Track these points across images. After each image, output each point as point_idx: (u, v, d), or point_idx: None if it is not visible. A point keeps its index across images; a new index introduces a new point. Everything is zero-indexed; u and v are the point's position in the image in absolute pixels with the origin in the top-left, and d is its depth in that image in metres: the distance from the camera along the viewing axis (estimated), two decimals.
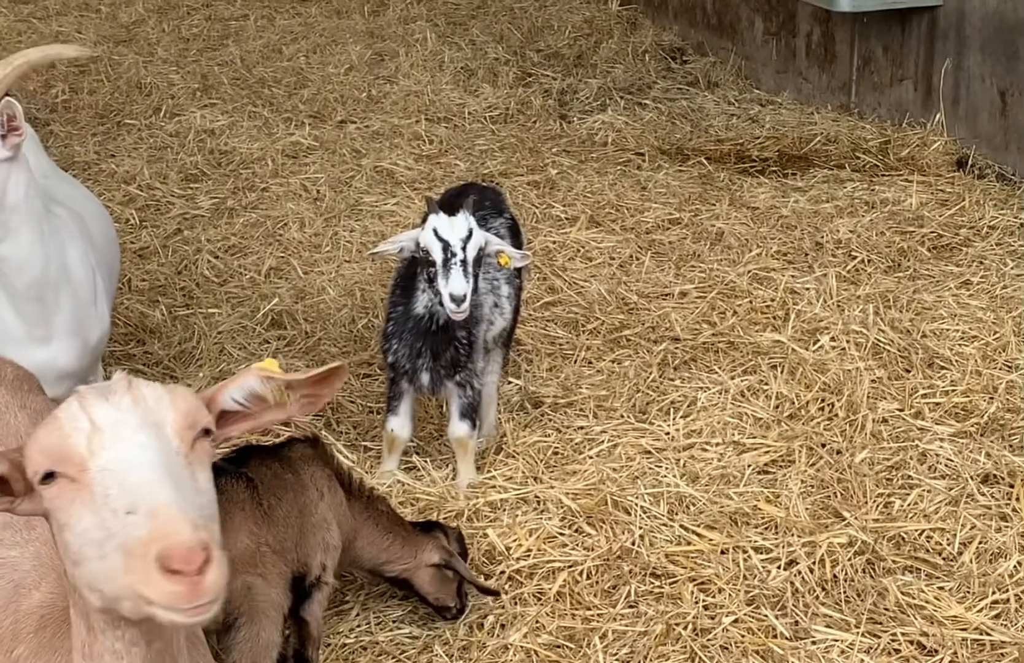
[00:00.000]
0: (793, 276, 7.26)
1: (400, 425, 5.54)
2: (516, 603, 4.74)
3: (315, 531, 4.27)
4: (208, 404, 2.28)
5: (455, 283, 4.91)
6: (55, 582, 2.63)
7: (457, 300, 4.91)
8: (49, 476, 2.10)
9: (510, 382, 6.12)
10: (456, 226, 4.99)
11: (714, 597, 4.73)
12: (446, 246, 4.95)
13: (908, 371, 6.22)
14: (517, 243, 5.81)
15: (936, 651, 4.44)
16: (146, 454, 2.07)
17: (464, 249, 4.96)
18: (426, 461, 5.63)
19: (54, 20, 12.99)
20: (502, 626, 4.62)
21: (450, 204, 5.73)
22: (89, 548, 2.06)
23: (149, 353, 6.58)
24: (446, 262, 4.95)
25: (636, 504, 5.23)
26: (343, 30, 12.57)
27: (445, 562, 4.56)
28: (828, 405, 5.94)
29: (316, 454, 4.45)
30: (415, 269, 5.19)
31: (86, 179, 8.79)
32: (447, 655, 4.55)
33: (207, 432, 2.20)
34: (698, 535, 5.06)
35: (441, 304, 5.00)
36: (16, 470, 2.15)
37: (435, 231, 4.99)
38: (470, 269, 4.97)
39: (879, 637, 4.52)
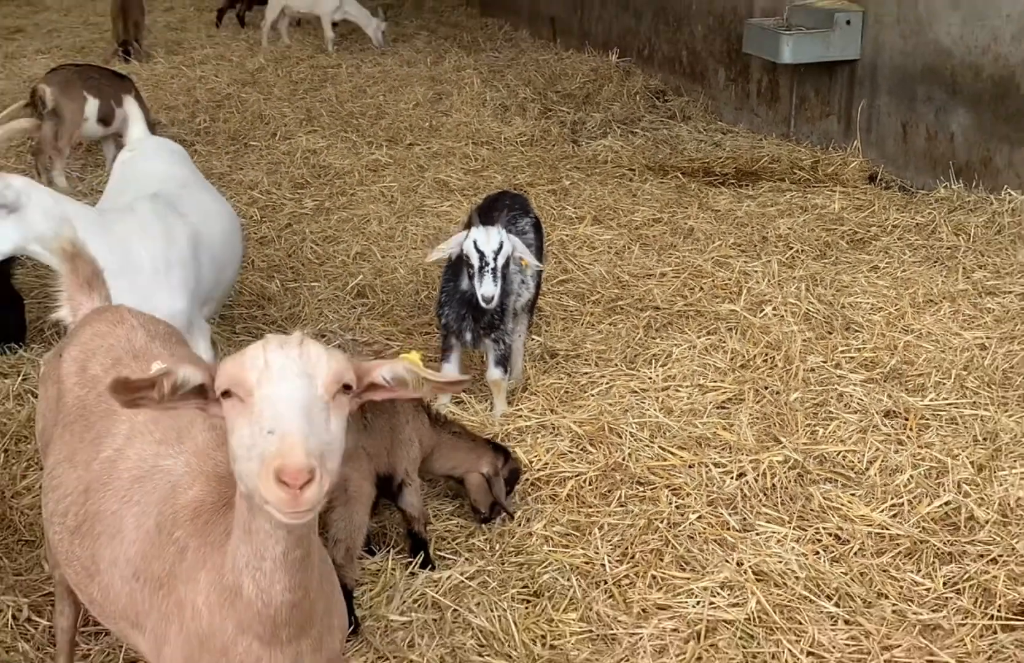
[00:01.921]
0: (745, 262, 7.25)
1: (452, 369, 5.57)
2: (537, 502, 4.78)
3: (402, 446, 4.39)
4: (364, 375, 2.30)
5: (487, 287, 5.05)
6: (204, 483, 2.65)
7: (487, 299, 5.05)
8: (227, 394, 2.17)
9: (533, 339, 6.13)
10: (491, 239, 5.08)
11: (683, 500, 4.78)
12: (482, 256, 5.05)
13: (830, 333, 6.22)
14: (539, 236, 5.82)
15: (848, 541, 4.49)
16: (294, 394, 2.12)
17: (495, 258, 5.05)
18: (471, 397, 5.65)
19: (198, 68, 12.99)
20: (527, 519, 4.68)
21: (490, 206, 5.78)
22: (241, 451, 2.14)
23: (267, 315, 6.65)
24: (481, 268, 5.05)
25: (626, 430, 5.28)
26: (412, 76, 12.58)
27: (488, 478, 4.62)
28: (770, 358, 5.96)
29: None
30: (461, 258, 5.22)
31: (221, 186, 8.80)
32: (486, 540, 4.59)
33: (348, 389, 2.22)
34: (671, 453, 5.10)
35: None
36: (211, 383, 2.22)
37: (475, 243, 5.08)
38: (499, 273, 5.06)
39: (806, 530, 4.56)
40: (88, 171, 9.21)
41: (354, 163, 9.54)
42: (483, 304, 5.09)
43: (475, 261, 5.07)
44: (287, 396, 2.12)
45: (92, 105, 8.74)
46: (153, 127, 9.39)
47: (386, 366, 2.36)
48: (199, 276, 5.30)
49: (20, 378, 5.79)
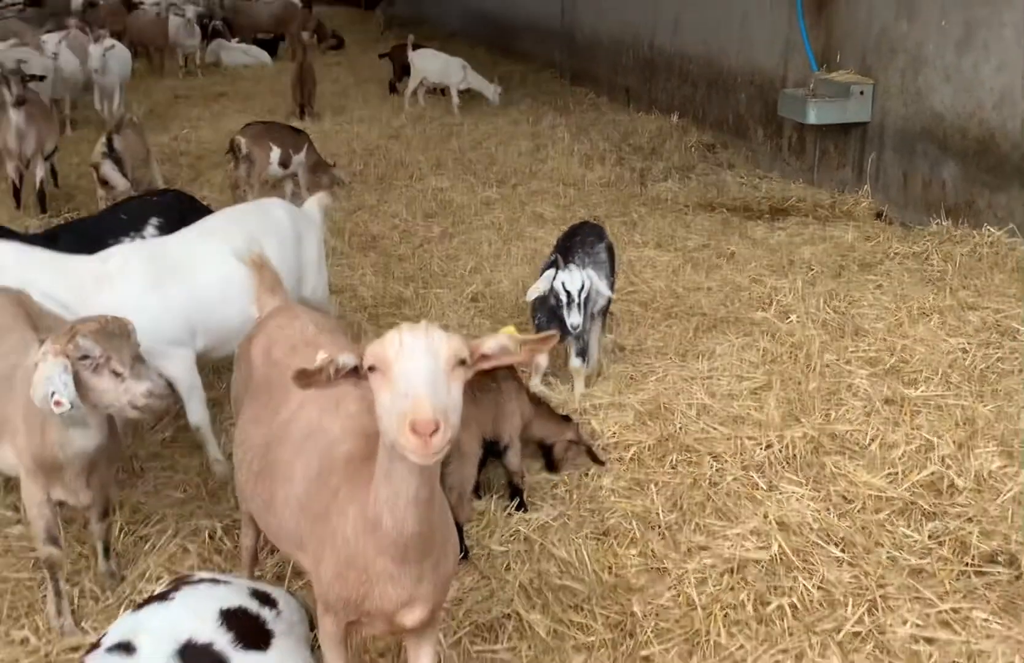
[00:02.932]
0: (775, 280, 7.14)
1: (542, 359, 5.64)
2: (607, 463, 4.78)
3: (506, 417, 4.45)
4: (475, 350, 2.36)
5: (573, 318, 5.12)
6: (354, 441, 2.74)
7: (574, 327, 5.10)
8: (372, 369, 2.25)
9: (606, 336, 6.12)
10: (574, 281, 5.14)
11: (722, 464, 4.75)
12: (568, 294, 5.11)
13: (842, 336, 6.10)
14: (612, 258, 5.82)
15: (853, 501, 4.44)
16: (423, 367, 2.20)
17: (579, 295, 5.11)
18: (556, 380, 5.67)
19: (355, 125, 13.19)
20: (598, 476, 4.67)
21: (573, 233, 5.80)
22: (384, 411, 2.24)
23: (403, 314, 6.75)
24: (568, 304, 5.11)
25: (677, 409, 5.26)
26: (517, 133, 12.61)
27: (577, 438, 4.69)
28: (794, 355, 5.88)
29: (511, 374, 4.61)
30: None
31: (370, 216, 9.00)
32: (566, 490, 4.62)
33: (463, 363, 2.27)
34: (713, 428, 5.07)
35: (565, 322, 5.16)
36: (362, 363, 2.31)
37: (562, 284, 5.12)
38: (582, 306, 5.12)
39: (819, 491, 4.51)
40: None
41: (471, 199, 9.60)
42: (571, 331, 5.14)
43: (563, 298, 5.13)
44: (417, 368, 2.19)
45: (275, 152, 8.93)
46: (325, 166, 9.60)
47: (492, 339, 2.42)
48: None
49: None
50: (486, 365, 2.43)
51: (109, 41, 12.16)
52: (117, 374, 3.13)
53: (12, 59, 9.49)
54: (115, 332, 3.16)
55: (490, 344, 2.41)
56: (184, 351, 4.62)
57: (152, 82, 16.86)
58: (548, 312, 5.31)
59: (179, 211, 5.99)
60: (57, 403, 3.06)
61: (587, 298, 5.19)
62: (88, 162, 9.49)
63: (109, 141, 8.54)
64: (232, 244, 4.60)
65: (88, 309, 4.15)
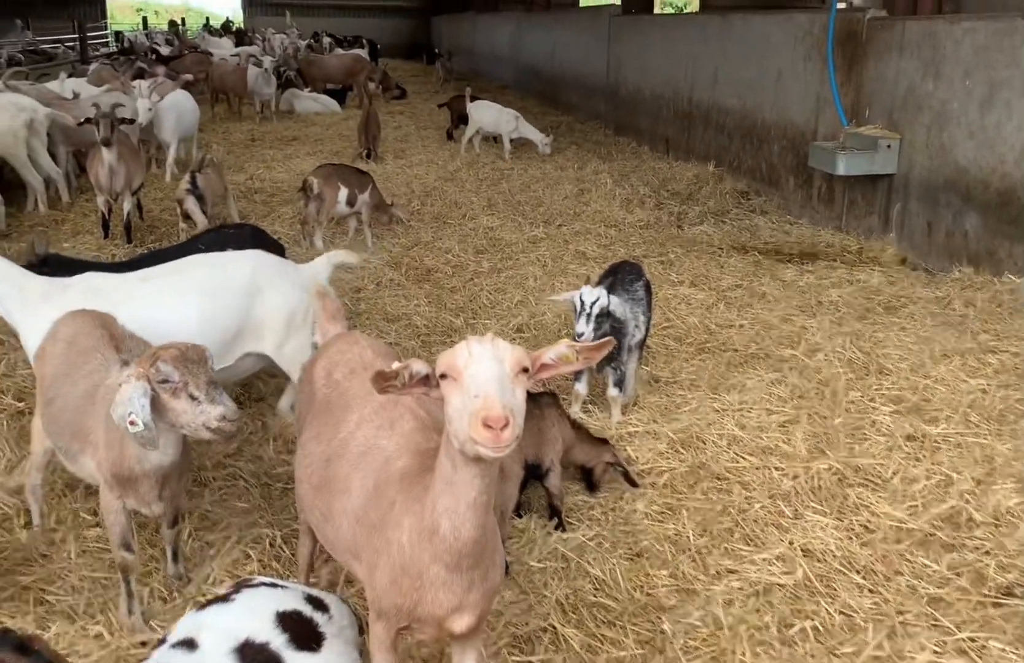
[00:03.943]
0: (804, 319, 7.04)
1: (582, 387, 5.58)
2: (641, 487, 4.73)
3: (547, 441, 4.44)
4: (536, 359, 2.40)
5: (580, 325, 5.08)
6: (409, 457, 2.75)
7: (579, 336, 5.05)
8: (443, 376, 2.28)
9: (643, 368, 6.08)
10: (591, 294, 5.11)
11: (750, 493, 4.67)
12: (583, 304, 5.08)
13: (867, 375, 5.99)
14: (649, 295, 5.77)
15: (875, 531, 4.33)
16: (490, 371, 2.24)
17: (592, 308, 5.06)
18: (595, 407, 5.63)
19: (415, 168, 13.30)
20: (632, 500, 4.62)
21: (614, 270, 5.79)
22: (454, 413, 2.27)
23: (455, 343, 6.70)
24: (580, 313, 5.08)
25: (709, 439, 5.18)
26: (563, 177, 12.62)
27: (614, 460, 4.66)
28: (820, 392, 5.77)
29: (553, 401, 4.59)
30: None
31: (426, 251, 9.04)
32: (602, 512, 4.57)
33: (525, 370, 2.31)
34: (743, 458, 4.98)
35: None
36: (433, 372, 2.35)
37: (580, 296, 5.11)
38: (592, 318, 5.06)
39: (842, 521, 4.41)
40: (337, 238, 9.49)
41: (519, 237, 9.61)
42: (577, 338, 5.08)
43: (577, 307, 5.11)
44: (486, 372, 2.24)
45: (343, 192, 9.03)
46: (386, 205, 9.68)
47: (551, 349, 2.45)
48: None
49: (284, 378, 6.01)
50: (547, 374, 2.46)
51: (156, 96, 12.16)
52: (193, 398, 3.16)
53: (107, 103, 9.70)
54: (193, 358, 3.20)
55: (550, 353, 2.45)
56: None
57: (231, 126, 17.18)
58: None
59: (252, 242, 6.12)
60: (132, 423, 3.11)
61: (600, 315, 5.12)
62: (172, 197, 9.70)
63: (193, 179, 8.70)
64: (172, 289, 4.57)
65: (26, 320, 4.33)
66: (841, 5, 13.76)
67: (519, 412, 2.26)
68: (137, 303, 4.48)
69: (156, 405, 3.18)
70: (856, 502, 4.52)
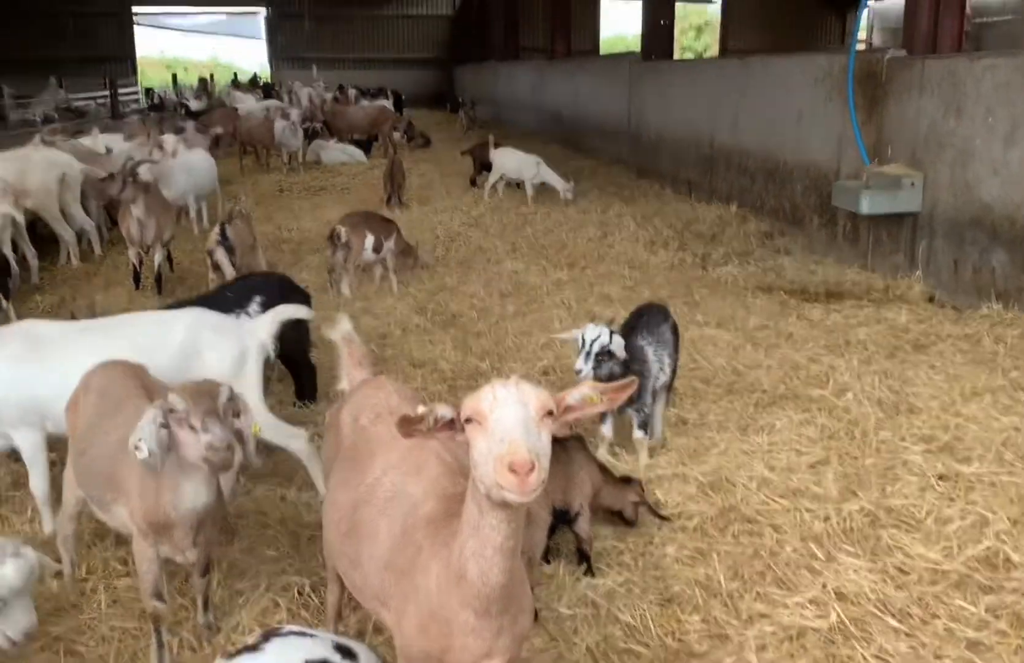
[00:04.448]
0: (832, 359, 6.96)
1: (608, 430, 5.54)
2: (671, 531, 4.67)
3: (575, 486, 4.39)
4: (561, 401, 2.37)
5: (579, 363, 5.05)
6: (436, 502, 2.73)
7: (576, 372, 5.03)
8: (468, 420, 2.27)
9: (670, 410, 6.03)
10: (591, 333, 5.07)
11: (782, 535, 4.59)
12: (583, 343, 5.04)
13: (897, 414, 5.90)
14: (676, 337, 5.73)
15: (909, 573, 4.23)
16: (516, 415, 2.23)
17: (591, 346, 5.02)
18: (623, 450, 5.58)
19: (440, 214, 13.38)
20: (663, 543, 4.56)
21: (640, 313, 5.74)
22: (480, 458, 2.26)
23: (480, 386, 6.68)
24: (580, 350, 5.05)
25: (739, 481, 5.11)
26: (586, 220, 12.65)
27: (640, 498, 4.62)
28: (850, 432, 5.69)
29: (580, 444, 4.55)
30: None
31: (452, 296, 9.06)
32: (632, 557, 4.50)
33: (551, 413, 2.29)
34: (773, 500, 4.90)
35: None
36: (458, 417, 2.33)
37: (583, 334, 5.07)
38: (591, 358, 5.02)
39: (876, 563, 4.31)
40: (364, 285, 9.53)
41: (543, 280, 9.61)
42: (576, 375, 5.08)
43: (579, 344, 5.08)
44: (511, 416, 2.23)
45: (370, 239, 9.09)
46: (411, 251, 9.72)
47: (575, 391, 2.44)
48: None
49: (312, 426, 6.02)
50: (572, 416, 2.44)
51: (173, 151, 12.26)
52: (192, 428, 3.18)
53: (136, 158, 9.87)
54: (201, 392, 3.23)
55: (574, 395, 2.43)
56: (27, 429, 4.59)
57: (259, 177, 17.40)
58: (608, 380, 5.22)
59: (279, 291, 6.17)
60: (137, 447, 3.17)
61: (600, 353, 5.05)
62: (201, 249, 9.80)
63: (223, 230, 8.79)
64: (106, 343, 4.53)
65: None
66: (860, 46, 13.77)
67: (545, 456, 2.24)
68: (70, 354, 4.50)
69: (173, 439, 3.24)
70: (889, 544, 4.43)
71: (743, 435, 5.74)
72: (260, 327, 5.03)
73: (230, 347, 4.83)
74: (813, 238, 10.78)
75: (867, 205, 8.94)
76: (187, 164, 12.26)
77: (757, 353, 7.22)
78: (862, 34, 37.87)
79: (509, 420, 2.22)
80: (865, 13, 36.61)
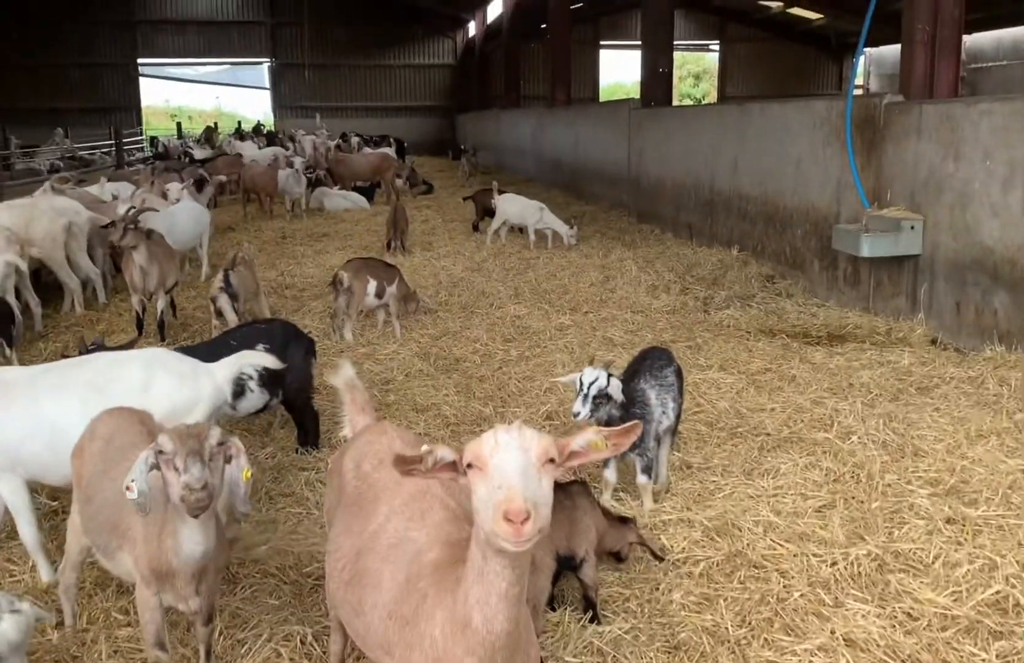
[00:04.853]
0: (835, 402, 6.92)
1: (611, 475, 5.50)
2: (677, 578, 4.61)
3: (580, 532, 4.35)
4: (564, 448, 2.35)
5: (576, 405, 5.05)
6: (440, 548, 2.71)
7: (574, 414, 5.03)
8: (470, 465, 2.25)
9: (674, 454, 5.98)
10: (589, 376, 5.06)
11: (789, 581, 4.52)
12: (581, 385, 5.03)
13: (902, 457, 5.86)
14: (680, 380, 5.69)
15: (919, 619, 4.17)
16: (515, 462, 2.20)
17: (588, 388, 5.01)
18: (627, 495, 5.53)
19: (442, 259, 13.42)
20: (669, 589, 4.50)
21: (643, 357, 5.73)
22: (480, 504, 2.24)
23: (483, 431, 6.64)
24: (579, 392, 5.04)
25: (745, 525, 5.05)
26: (588, 264, 12.67)
27: (638, 538, 4.58)
28: (856, 475, 5.64)
29: (584, 489, 4.51)
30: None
31: (455, 341, 9.05)
32: (638, 604, 4.45)
33: (553, 460, 2.27)
34: (780, 545, 4.84)
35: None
36: (460, 460, 2.32)
37: (580, 377, 5.06)
38: (589, 399, 5.01)
39: (884, 608, 4.24)
40: (367, 330, 9.52)
41: (546, 325, 9.60)
42: (573, 418, 5.08)
43: (577, 387, 5.07)
44: (510, 463, 2.21)
45: (372, 285, 9.10)
46: (414, 296, 9.72)
47: (579, 437, 2.41)
48: None
49: (315, 472, 5.99)
50: (576, 462, 2.42)
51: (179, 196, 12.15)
52: (176, 469, 3.15)
53: (139, 206, 9.91)
54: (190, 433, 3.21)
55: (578, 441, 2.40)
56: (1, 475, 4.60)
57: (262, 224, 17.46)
58: (607, 424, 5.18)
59: (283, 337, 6.17)
60: (129, 488, 3.16)
61: (598, 396, 5.03)
62: (204, 295, 9.81)
63: (226, 277, 8.81)
64: (64, 383, 4.63)
65: None
66: (858, 91, 13.89)
67: (544, 504, 2.22)
68: (32, 396, 4.57)
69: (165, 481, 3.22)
70: (898, 589, 4.37)
71: (748, 479, 5.69)
72: (218, 372, 5.00)
73: (180, 388, 4.78)
74: (814, 281, 10.79)
75: (868, 248, 8.96)
76: (171, 215, 11.75)
77: (760, 396, 7.19)
78: (859, 79, 38.25)
79: (508, 466, 2.20)
80: (862, 59, 37.00)
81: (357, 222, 17.56)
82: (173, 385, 4.77)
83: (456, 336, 9.25)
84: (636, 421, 2.58)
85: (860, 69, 38.00)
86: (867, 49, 36.98)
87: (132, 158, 28.37)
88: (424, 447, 2.38)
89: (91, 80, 41.80)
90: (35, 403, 4.55)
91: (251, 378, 5.95)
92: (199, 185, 15.82)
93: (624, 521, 4.70)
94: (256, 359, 5.25)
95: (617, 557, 4.65)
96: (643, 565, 4.70)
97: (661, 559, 4.67)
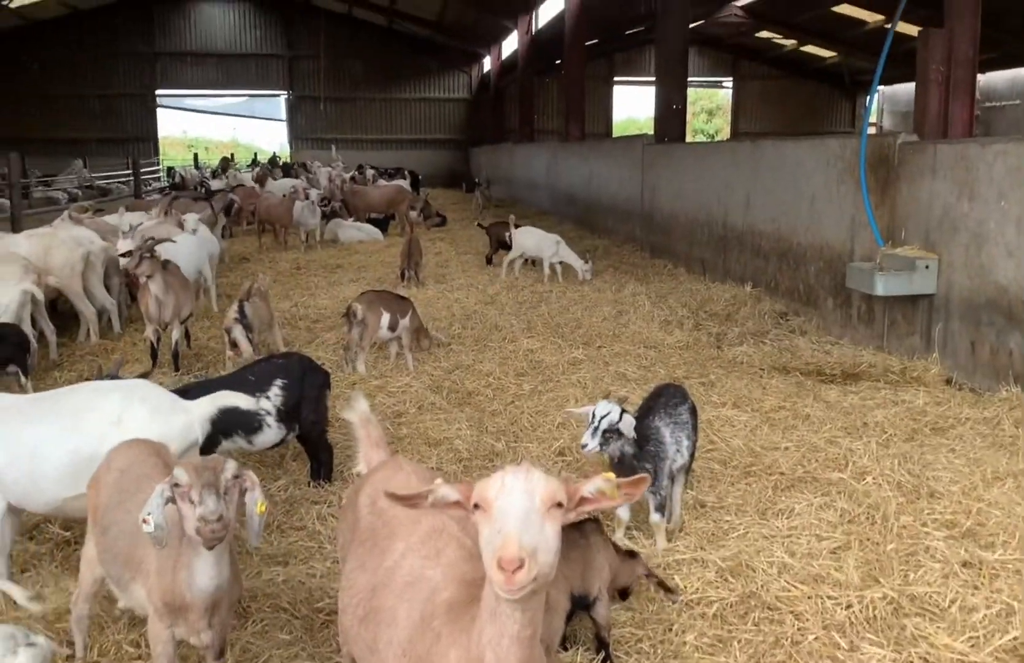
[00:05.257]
0: (850, 442, 6.87)
1: (624, 513, 5.51)
2: (690, 618, 4.57)
3: (593, 571, 4.32)
4: (574, 493, 2.33)
5: (585, 437, 5.06)
6: (455, 587, 2.70)
7: (582, 446, 5.06)
8: (476, 506, 2.24)
9: (688, 492, 5.95)
10: (602, 409, 5.06)
11: (803, 623, 4.46)
12: (593, 417, 5.02)
13: (918, 499, 5.80)
14: (695, 418, 5.66)
15: None
16: (519, 506, 2.20)
17: (600, 422, 5.01)
18: (640, 534, 5.50)
19: (455, 292, 13.43)
20: (682, 630, 4.45)
21: (658, 393, 5.71)
22: (483, 546, 2.25)
23: (495, 465, 6.63)
24: (590, 425, 5.03)
25: (759, 566, 4.99)
26: (601, 299, 12.68)
27: (647, 571, 4.57)
28: (871, 516, 5.58)
29: (597, 527, 4.49)
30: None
31: (467, 374, 9.04)
32: (651, 644, 4.41)
33: (560, 505, 2.25)
34: (794, 587, 4.79)
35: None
36: (467, 500, 2.31)
37: (594, 410, 5.06)
38: (599, 432, 5.01)
39: (900, 654, 4.20)
40: (379, 362, 9.53)
41: (559, 359, 9.58)
42: (581, 449, 5.09)
43: (588, 419, 5.07)
44: (511, 506, 2.20)
45: (386, 317, 9.12)
46: (426, 330, 9.74)
47: (590, 483, 2.39)
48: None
49: (327, 506, 5.98)
50: (587, 508, 2.41)
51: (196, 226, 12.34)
52: (191, 502, 3.17)
53: (155, 236, 9.99)
54: (205, 466, 3.22)
55: (589, 487, 2.39)
56: None
57: (277, 255, 17.58)
58: (625, 469, 5.14)
59: (300, 371, 6.20)
60: (145, 521, 3.18)
61: (608, 430, 5.02)
62: (217, 326, 9.86)
63: (241, 308, 8.85)
64: (44, 411, 4.72)
65: None
66: (871, 130, 13.92)
67: (545, 550, 2.21)
68: (15, 422, 4.67)
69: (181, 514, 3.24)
70: (914, 633, 4.32)
71: (762, 519, 5.65)
72: (195, 410, 4.97)
73: (151, 423, 4.73)
74: (828, 319, 10.77)
75: (882, 287, 8.95)
76: (176, 253, 11.36)
77: (774, 434, 7.16)
78: (872, 117, 38.33)
79: (509, 511, 2.19)
80: (876, 97, 37.07)
81: (371, 254, 17.64)
82: (145, 419, 4.74)
83: (469, 369, 9.24)
84: (645, 475, 2.57)
85: (874, 107, 38.08)
86: (881, 87, 37.08)
87: (149, 188, 28.61)
88: (437, 481, 2.39)
89: (111, 110, 42.39)
90: (18, 429, 4.63)
91: (269, 413, 5.99)
92: (228, 210, 16.13)
93: (632, 555, 4.68)
94: (233, 400, 5.22)
95: (624, 594, 4.63)
96: (656, 605, 4.66)
97: (672, 591, 4.64)
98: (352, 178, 27.00)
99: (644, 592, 4.70)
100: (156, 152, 42.95)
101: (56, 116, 40.96)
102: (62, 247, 10.28)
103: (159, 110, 43.89)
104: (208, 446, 5.55)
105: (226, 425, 5.75)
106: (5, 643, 3.15)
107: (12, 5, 36.89)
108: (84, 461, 4.51)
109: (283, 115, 45.36)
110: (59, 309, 11.10)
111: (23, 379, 8.15)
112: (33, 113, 40.50)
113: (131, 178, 27.82)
